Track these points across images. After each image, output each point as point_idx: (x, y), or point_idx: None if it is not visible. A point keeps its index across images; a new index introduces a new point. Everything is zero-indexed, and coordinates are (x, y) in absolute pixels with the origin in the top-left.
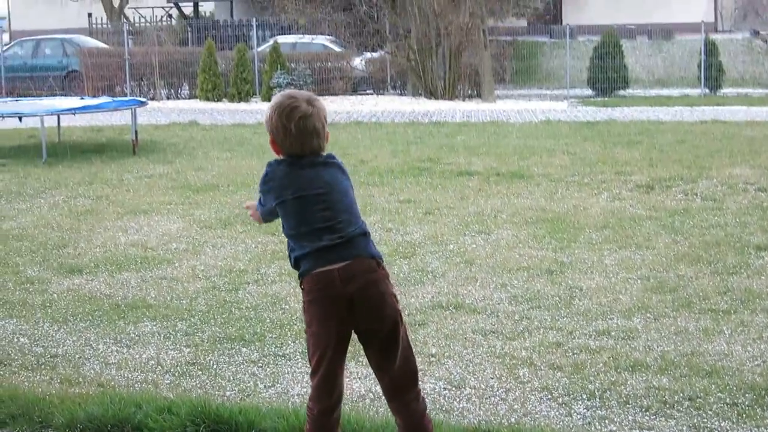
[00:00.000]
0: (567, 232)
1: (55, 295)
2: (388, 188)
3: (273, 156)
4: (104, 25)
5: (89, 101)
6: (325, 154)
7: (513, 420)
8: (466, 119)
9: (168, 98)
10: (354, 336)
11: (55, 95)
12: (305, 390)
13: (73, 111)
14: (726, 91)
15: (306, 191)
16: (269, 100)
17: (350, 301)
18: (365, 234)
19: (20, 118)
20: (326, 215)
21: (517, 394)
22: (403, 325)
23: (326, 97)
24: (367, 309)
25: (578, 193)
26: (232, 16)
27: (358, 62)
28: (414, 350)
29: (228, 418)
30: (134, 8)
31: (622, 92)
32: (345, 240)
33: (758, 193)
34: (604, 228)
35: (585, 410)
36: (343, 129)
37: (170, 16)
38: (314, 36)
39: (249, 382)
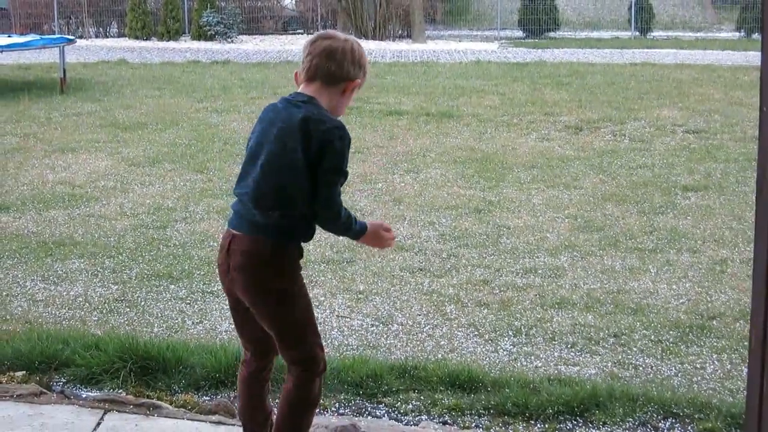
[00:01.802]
0: (495, 171)
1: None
2: None
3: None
4: None
5: (17, 39)
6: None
7: (440, 356)
8: (396, 59)
9: (97, 36)
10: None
11: None
12: (233, 326)
13: (0, 48)
14: (656, 34)
15: None
16: (199, 39)
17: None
18: None
19: None
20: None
21: (444, 330)
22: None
23: (256, 36)
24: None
25: (507, 134)
26: None
27: (288, 1)
28: (342, 287)
29: (156, 355)
30: None
31: (552, 34)
32: None
33: (686, 135)
34: (533, 168)
35: (511, 346)
36: (273, 68)
37: None
38: None
39: (177, 319)
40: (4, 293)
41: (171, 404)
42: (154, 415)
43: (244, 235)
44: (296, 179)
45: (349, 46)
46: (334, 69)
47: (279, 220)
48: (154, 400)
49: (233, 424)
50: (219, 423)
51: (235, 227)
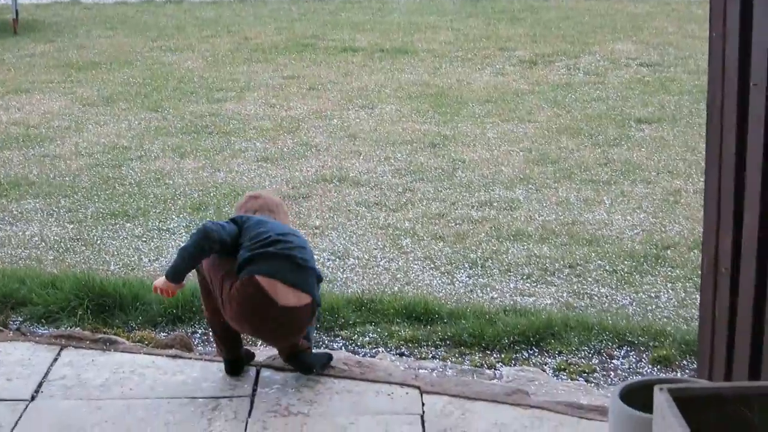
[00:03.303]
0: (450, 106)
1: None
2: (272, 65)
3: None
4: None
5: None
6: None
7: (396, 289)
8: None
9: None
10: None
11: None
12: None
13: None
14: None
15: None
16: None
17: None
18: None
19: None
20: None
21: (400, 263)
22: None
23: None
24: None
25: (462, 69)
26: None
27: None
28: (298, 222)
29: (112, 292)
30: None
31: None
32: None
33: (640, 68)
34: (487, 102)
35: (467, 278)
36: (227, 6)
37: None
38: None
39: (133, 257)
40: None
41: (128, 340)
42: (111, 350)
43: None
44: None
45: None
46: None
47: None
48: (111, 336)
49: (189, 357)
50: (176, 357)
51: None
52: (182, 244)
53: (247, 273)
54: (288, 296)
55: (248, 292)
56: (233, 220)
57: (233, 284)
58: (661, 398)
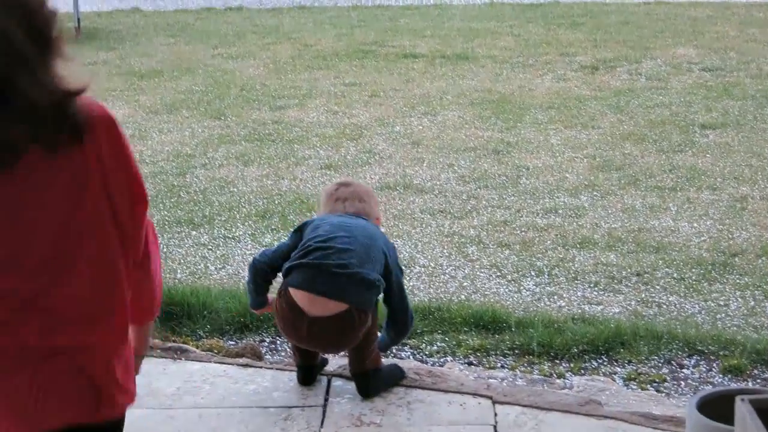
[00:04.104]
0: (512, 112)
1: None
2: (333, 71)
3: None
4: None
5: None
6: None
7: (463, 297)
8: (409, 3)
9: None
10: None
11: None
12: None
13: None
14: None
15: None
16: None
17: None
18: None
19: None
20: None
21: (466, 271)
22: None
23: None
24: None
25: (523, 75)
26: None
27: None
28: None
29: (180, 300)
30: None
31: None
32: None
33: (702, 73)
34: (550, 108)
35: (534, 286)
36: (287, 13)
37: None
38: None
39: (200, 265)
40: None
41: (198, 348)
42: (181, 359)
43: None
44: None
45: None
46: None
47: None
48: (181, 344)
49: (260, 366)
50: (247, 365)
51: None
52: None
53: (282, 286)
54: (318, 307)
55: (283, 305)
56: (298, 228)
57: (277, 298)
58: (743, 409)
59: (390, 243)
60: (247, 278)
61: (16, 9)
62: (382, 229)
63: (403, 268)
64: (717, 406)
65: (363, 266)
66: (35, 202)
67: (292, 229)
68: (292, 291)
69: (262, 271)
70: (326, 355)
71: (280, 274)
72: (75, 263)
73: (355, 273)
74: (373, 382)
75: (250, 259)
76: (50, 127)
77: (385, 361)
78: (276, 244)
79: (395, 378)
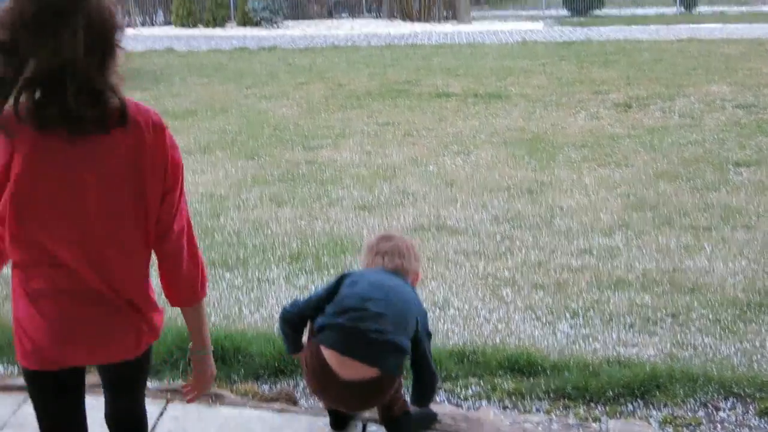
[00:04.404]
0: (546, 151)
1: None
2: (367, 111)
3: None
4: None
5: None
6: None
7: (498, 340)
8: (442, 41)
9: (143, 25)
10: None
11: None
12: None
13: None
14: (701, 9)
15: None
16: (245, 25)
17: None
18: None
19: None
20: None
21: (501, 314)
22: None
23: (301, 21)
24: None
25: (556, 113)
26: None
27: None
28: (420, 263)
29: (214, 344)
30: None
31: (597, 12)
32: None
33: (735, 110)
34: (583, 147)
35: (569, 329)
36: (320, 53)
37: None
38: None
39: (234, 308)
40: None
41: (232, 393)
42: (216, 404)
43: None
44: None
45: None
46: None
47: None
48: (216, 389)
49: (295, 411)
50: (282, 410)
51: None
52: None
53: (315, 341)
54: (349, 370)
55: (314, 362)
56: (339, 277)
57: (308, 350)
58: None
59: (423, 309)
60: (277, 326)
61: (89, 17)
62: (420, 279)
63: (438, 310)
64: None
65: (396, 333)
66: (90, 170)
67: (326, 272)
68: (324, 350)
69: (292, 322)
70: None
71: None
72: (117, 231)
73: (388, 340)
74: (405, 426)
75: (280, 309)
76: (101, 107)
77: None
78: (312, 289)
79: (427, 421)
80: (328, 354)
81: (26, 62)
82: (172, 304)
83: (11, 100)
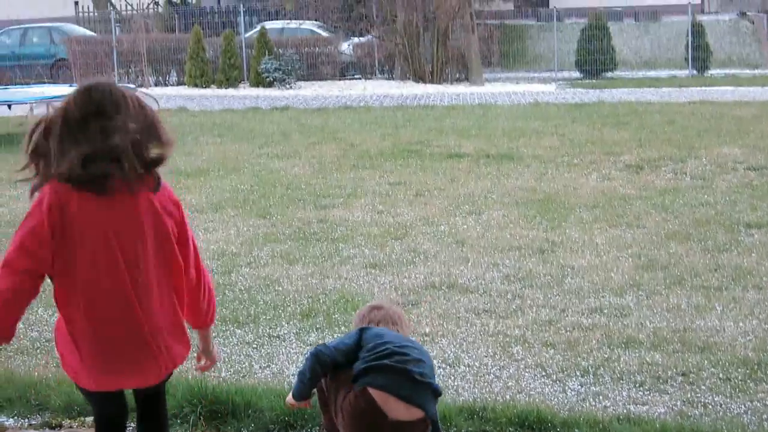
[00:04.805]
0: (557, 212)
1: (48, 281)
2: (378, 171)
3: None
4: (91, 13)
5: None
6: None
7: (508, 397)
8: (454, 102)
9: (156, 85)
10: None
11: (43, 83)
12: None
13: (63, 98)
14: (713, 72)
15: None
16: (257, 85)
17: None
18: None
19: (9, 106)
20: None
21: (511, 371)
22: None
23: (314, 82)
24: None
25: (568, 174)
26: (218, 2)
27: (345, 47)
28: (411, 329)
29: (224, 399)
30: None
31: (609, 74)
32: None
33: (747, 172)
34: (595, 207)
35: (579, 386)
36: (332, 113)
37: (157, 3)
38: (301, 21)
39: (244, 363)
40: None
41: None
42: None
43: None
44: None
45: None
46: None
47: None
48: None
49: None
50: None
51: None
52: (300, 368)
53: (360, 384)
54: (400, 410)
55: (360, 404)
56: (359, 330)
57: (347, 395)
58: None
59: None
60: (303, 367)
61: (129, 116)
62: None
63: (448, 367)
64: None
65: (432, 379)
66: (125, 223)
67: (336, 329)
68: (373, 391)
69: (325, 363)
70: None
71: None
72: (150, 278)
73: (431, 384)
74: None
75: (313, 349)
76: (146, 178)
77: None
78: (334, 340)
79: None
80: (377, 395)
81: (82, 145)
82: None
83: (68, 173)
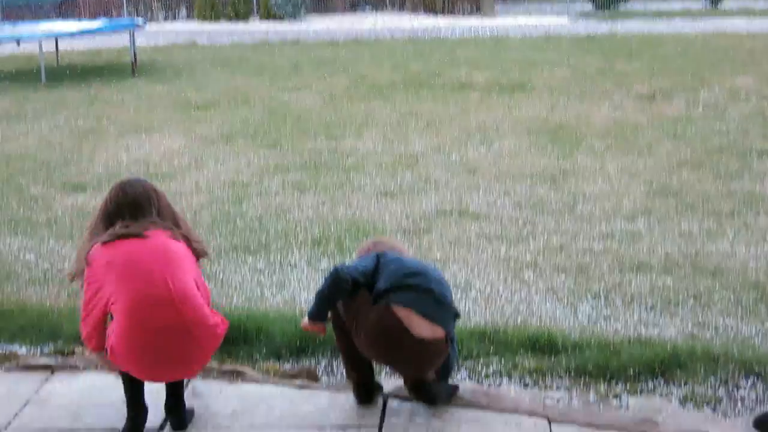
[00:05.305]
0: (569, 141)
1: (60, 212)
2: (389, 102)
3: None
4: None
5: (87, 24)
6: None
7: (519, 321)
8: (466, 35)
9: (165, 20)
10: None
11: (52, 20)
12: (311, 296)
13: (72, 34)
14: (727, 4)
15: None
16: (268, 19)
17: None
18: None
19: (18, 42)
20: None
21: (522, 295)
22: None
23: (324, 15)
24: None
25: (580, 104)
26: None
27: None
28: (419, 256)
29: (237, 324)
30: None
31: (622, 6)
32: None
33: (760, 101)
34: (606, 136)
35: (590, 310)
36: (343, 47)
37: None
38: None
39: (256, 290)
40: None
41: (254, 370)
42: (238, 381)
43: None
44: None
45: None
46: None
47: None
48: (238, 367)
49: (316, 388)
50: (303, 387)
51: None
52: (319, 287)
53: (384, 302)
54: (422, 328)
55: (384, 321)
56: (377, 255)
57: (369, 314)
58: None
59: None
60: (322, 286)
61: (159, 203)
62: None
63: (460, 291)
64: None
65: (452, 301)
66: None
67: (348, 256)
68: (398, 309)
69: (345, 282)
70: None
71: None
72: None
73: (451, 305)
74: (432, 392)
75: (333, 267)
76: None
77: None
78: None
79: (450, 391)
80: (402, 312)
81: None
82: None
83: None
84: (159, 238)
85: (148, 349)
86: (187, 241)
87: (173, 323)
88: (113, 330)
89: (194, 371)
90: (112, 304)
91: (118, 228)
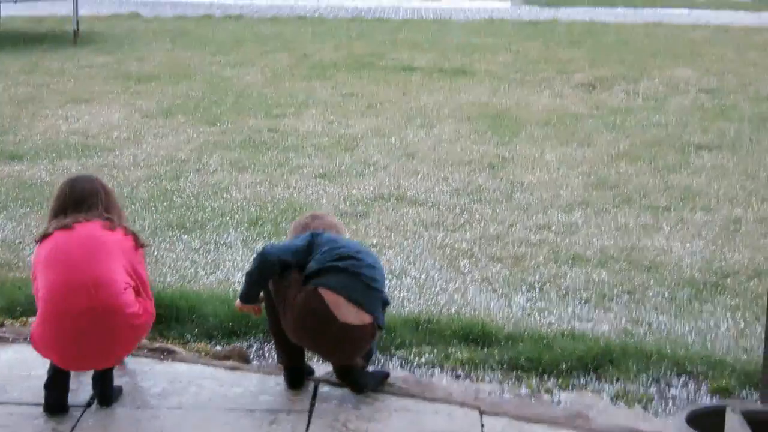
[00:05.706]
0: (509, 128)
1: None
2: (330, 82)
3: None
4: None
5: None
6: None
7: (453, 310)
8: (409, 17)
9: None
10: None
11: None
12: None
13: (15, 0)
14: None
15: None
16: None
17: None
18: None
19: (15, 0)
20: None
21: (457, 284)
22: None
23: None
24: None
25: (520, 91)
26: None
27: None
28: (355, 240)
29: (168, 303)
30: None
31: None
32: None
33: (699, 94)
34: (546, 125)
35: (525, 301)
36: (285, 23)
37: None
38: None
39: (190, 269)
40: (17, 241)
41: (185, 351)
42: (168, 360)
43: None
44: None
45: None
46: None
47: None
48: (168, 345)
49: (247, 370)
50: (234, 368)
51: None
52: (248, 268)
53: (312, 284)
54: (349, 313)
55: (310, 303)
56: (311, 234)
57: (297, 294)
58: (734, 419)
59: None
60: (250, 267)
61: (104, 199)
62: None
63: (395, 278)
64: (705, 423)
65: (383, 287)
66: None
67: (284, 238)
68: (324, 292)
69: (272, 264)
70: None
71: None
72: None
73: (381, 291)
74: (362, 378)
75: (260, 248)
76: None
77: (373, 369)
78: (282, 242)
79: (381, 377)
80: (329, 296)
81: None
82: None
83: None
84: (86, 228)
85: (65, 335)
86: (126, 230)
87: (86, 308)
88: (36, 318)
89: (111, 362)
90: (39, 294)
91: (54, 223)
